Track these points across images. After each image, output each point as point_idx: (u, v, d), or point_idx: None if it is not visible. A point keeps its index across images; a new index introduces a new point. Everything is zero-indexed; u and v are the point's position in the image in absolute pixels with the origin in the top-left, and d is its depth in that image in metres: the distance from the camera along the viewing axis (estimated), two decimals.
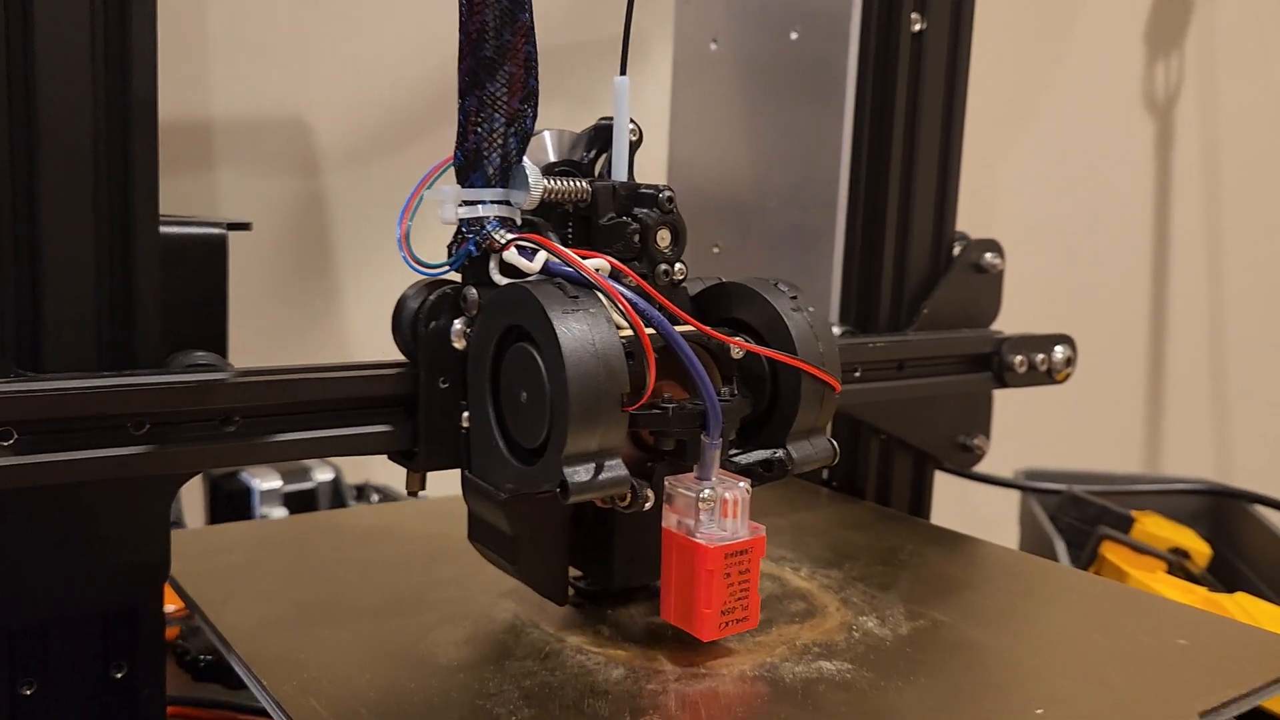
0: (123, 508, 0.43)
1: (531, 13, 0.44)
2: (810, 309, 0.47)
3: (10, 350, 0.42)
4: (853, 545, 0.58)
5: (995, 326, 0.71)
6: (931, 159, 0.69)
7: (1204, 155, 1.41)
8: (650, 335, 0.41)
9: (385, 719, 0.39)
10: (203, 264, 0.48)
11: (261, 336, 1.05)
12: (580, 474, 0.39)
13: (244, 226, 0.51)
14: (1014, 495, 1.00)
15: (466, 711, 0.39)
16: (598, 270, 0.43)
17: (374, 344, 1.03)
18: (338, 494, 0.77)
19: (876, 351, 0.62)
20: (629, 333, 0.41)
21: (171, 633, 0.57)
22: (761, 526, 0.43)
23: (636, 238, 0.46)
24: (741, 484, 0.42)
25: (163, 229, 0.46)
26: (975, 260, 0.70)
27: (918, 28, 0.67)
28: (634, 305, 0.41)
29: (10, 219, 0.41)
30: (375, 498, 0.79)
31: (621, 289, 0.41)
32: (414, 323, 0.46)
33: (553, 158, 0.49)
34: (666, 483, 0.43)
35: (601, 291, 0.41)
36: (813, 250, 0.70)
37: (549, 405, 0.40)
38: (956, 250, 0.70)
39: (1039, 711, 0.40)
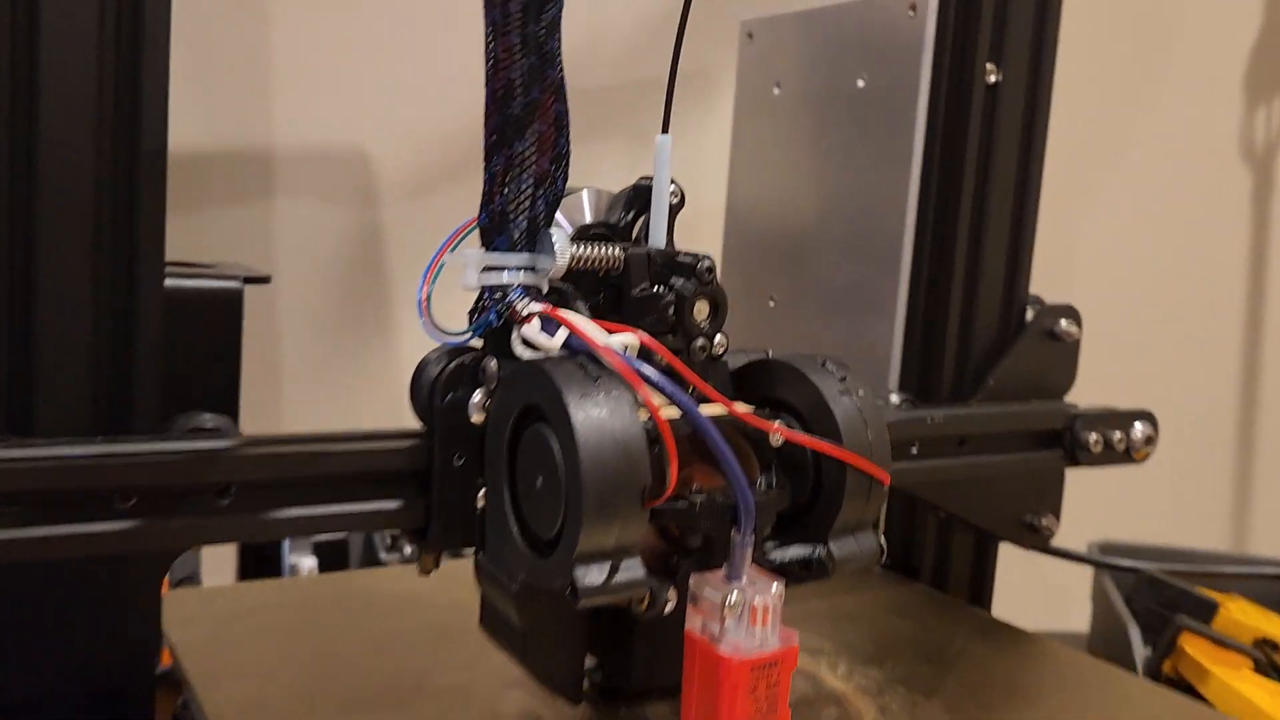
0: (110, 584, 0.41)
1: (562, 69, 0.41)
2: (860, 391, 0.43)
3: (1, 412, 0.39)
4: (898, 636, 0.54)
5: (1070, 397, 0.66)
6: (1004, 218, 0.64)
7: None
8: (682, 419, 0.38)
9: None
10: (214, 320, 0.46)
11: (314, 367, 1.04)
12: (593, 575, 0.36)
13: (263, 280, 0.49)
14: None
15: None
16: (626, 347, 0.40)
17: None
18: (369, 541, 0.75)
19: (936, 427, 0.58)
20: (665, 414, 0.38)
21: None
22: (794, 633, 0.39)
23: (671, 310, 0.43)
24: (774, 587, 0.39)
25: (172, 282, 0.44)
26: (1049, 327, 0.65)
27: (992, 79, 0.62)
28: (661, 388, 0.38)
29: (6, 271, 0.39)
30: (409, 549, 0.76)
31: (647, 370, 0.38)
32: (431, 392, 0.43)
33: (589, 219, 0.46)
34: (692, 579, 0.39)
35: (617, 376, 0.38)
36: (872, 309, 0.66)
37: (563, 495, 0.36)
38: (1029, 315, 0.66)
39: None
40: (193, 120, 0.97)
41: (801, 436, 0.41)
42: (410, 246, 1.04)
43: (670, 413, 0.38)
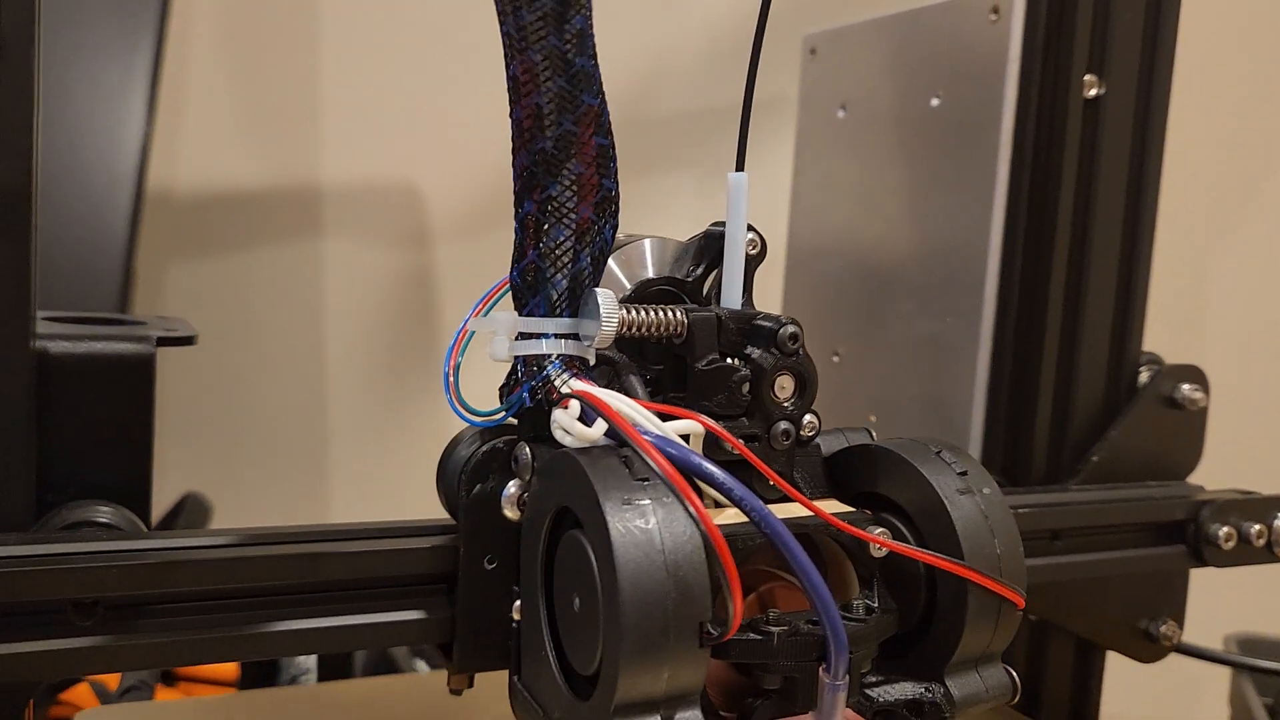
0: None
1: (601, 95, 0.33)
2: (986, 490, 0.35)
3: None
4: None
5: (1196, 479, 0.54)
6: (1110, 259, 0.53)
7: None
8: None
9: None
10: (116, 390, 0.38)
11: (366, 411, 0.98)
12: None
13: (187, 341, 0.41)
14: None
15: None
16: (686, 436, 0.32)
17: None
18: None
19: (1019, 520, 0.46)
20: (726, 521, 0.30)
21: None
22: None
23: (746, 387, 0.34)
24: None
25: (62, 345, 0.37)
26: (1167, 392, 0.53)
27: (1094, 93, 0.51)
28: (724, 489, 0.30)
29: None
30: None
31: (708, 466, 0.30)
32: (458, 481, 0.36)
33: (651, 273, 0.38)
34: None
35: (662, 479, 0.30)
36: (949, 369, 0.56)
37: (600, 627, 0.29)
38: (1143, 378, 0.54)
39: None
40: (242, 157, 0.92)
41: (910, 549, 0.33)
42: (465, 289, 0.97)
43: (734, 519, 0.31)
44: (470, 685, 0.37)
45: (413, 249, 0.99)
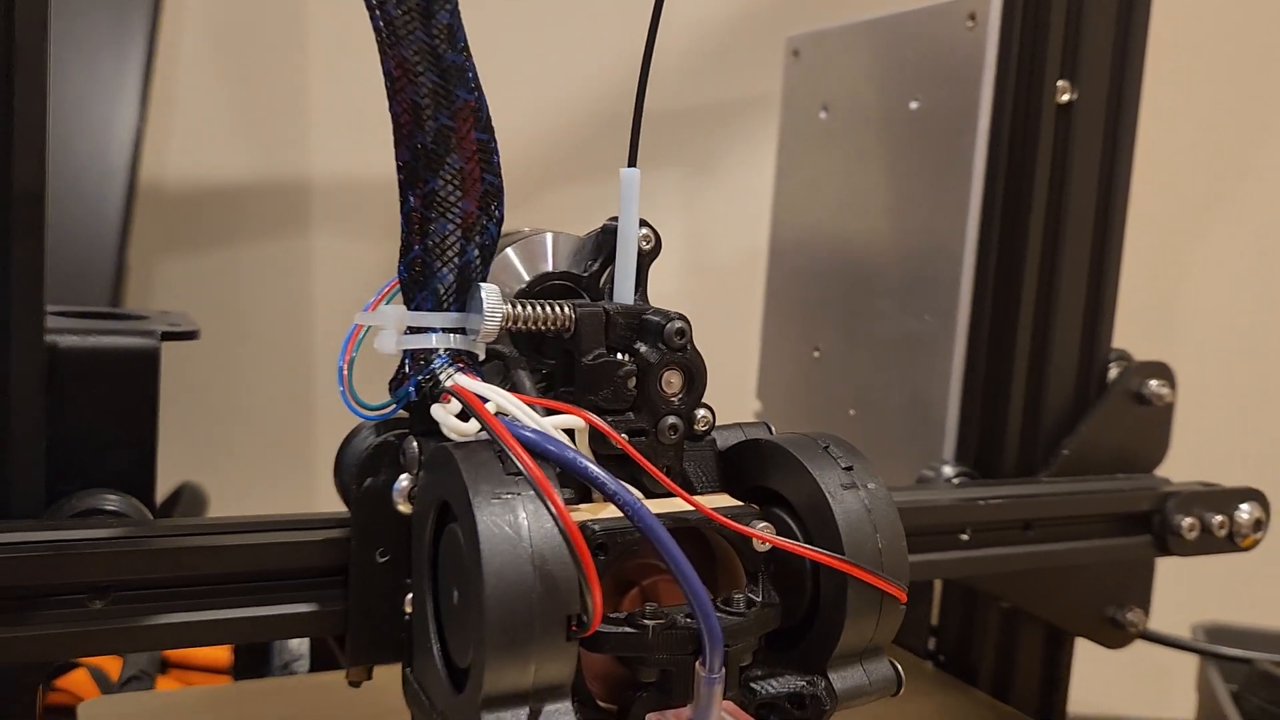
0: None
1: (478, 91, 0.34)
2: (870, 485, 0.35)
3: None
4: None
5: (1162, 471, 0.56)
6: (1081, 258, 0.55)
7: None
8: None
9: None
10: (122, 382, 0.39)
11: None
12: None
13: (190, 335, 0.42)
14: None
15: None
16: (572, 431, 0.33)
17: None
18: None
19: (992, 510, 0.48)
20: (608, 514, 0.31)
21: None
22: None
23: (632, 382, 0.35)
24: None
25: (71, 340, 0.38)
26: (1135, 388, 0.55)
27: (1066, 98, 0.53)
28: (596, 482, 0.30)
29: None
30: None
31: (580, 460, 0.31)
32: (350, 474, 0.36)
33: (550, 266, 0.38)
34: None
35: (526, 476, 0.30)
36: (927, 365, 0.57)
37: (470, 621, 0.29)
38: (1112, 374, 0.56)
39: None
40: (232, 152, 0.93)
41: (790, 544, 0.33)
42: None
43: (617, 514, 0.31)
44: (369, 677, 0.38)
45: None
